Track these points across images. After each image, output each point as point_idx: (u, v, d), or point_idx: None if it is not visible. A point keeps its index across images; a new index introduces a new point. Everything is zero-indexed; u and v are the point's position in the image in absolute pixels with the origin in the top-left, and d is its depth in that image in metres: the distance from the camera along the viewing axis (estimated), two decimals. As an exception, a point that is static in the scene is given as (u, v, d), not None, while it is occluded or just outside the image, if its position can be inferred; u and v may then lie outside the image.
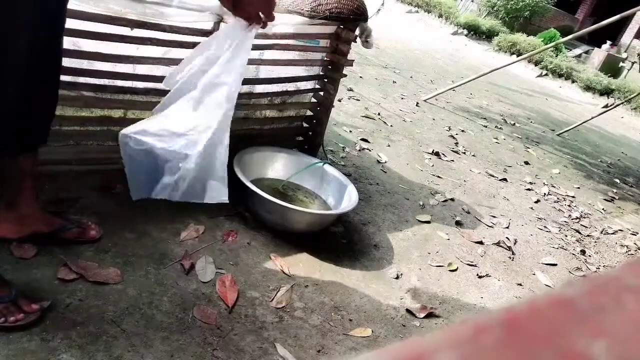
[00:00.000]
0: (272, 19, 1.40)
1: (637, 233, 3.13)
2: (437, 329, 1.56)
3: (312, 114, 2.21)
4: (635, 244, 2.90)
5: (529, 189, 3.19)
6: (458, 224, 2.34)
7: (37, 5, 1.03)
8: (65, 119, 1.57)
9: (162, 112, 1.42)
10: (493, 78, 6.65)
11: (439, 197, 2.53)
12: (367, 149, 2.80)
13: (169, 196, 1.45)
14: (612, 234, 2.97)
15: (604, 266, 2.52)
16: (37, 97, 1.16)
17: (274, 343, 1.30)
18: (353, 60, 2.13)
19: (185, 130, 1.40)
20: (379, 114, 3.53)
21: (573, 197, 3.37)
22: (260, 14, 1.38)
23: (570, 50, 13.26)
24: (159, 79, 1.63)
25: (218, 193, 1.47)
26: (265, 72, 1.97)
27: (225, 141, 1.43)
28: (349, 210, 1.84)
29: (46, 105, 1.20)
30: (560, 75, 10.50)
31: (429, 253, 2.01)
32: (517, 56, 9.39)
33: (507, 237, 2.37)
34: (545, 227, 2.70)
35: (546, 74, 10.53)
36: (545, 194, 3.21)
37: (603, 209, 3.36)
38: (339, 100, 3.39)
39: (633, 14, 5.45)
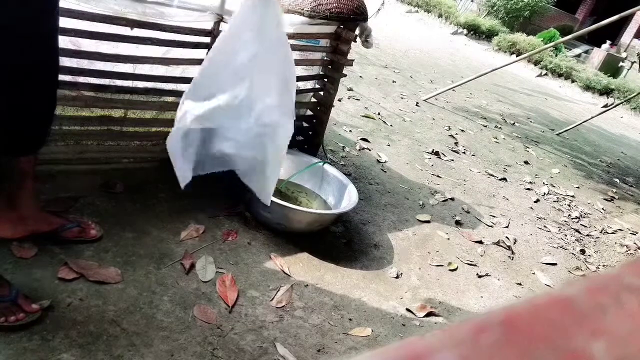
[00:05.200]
0: None
1: (637, 233, 3.13)
2: (437, 328, 1.56)
3: (312, 113, 2.21)
4: (634, 243, 2.90)
5: (528, 189, 3.19)
6: (458, 223, 2.34)
7: (19, 6, 1.03)
8: (65, 119, 1.57)
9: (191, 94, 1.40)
10: (493, 78, 6.65)
11: (438, 197, 2.53)
12: (367, 149, 2.80)
13: (223, 165, 1.46)
14: (612, 233, 2.97)
15: (603, 266, 2.52)
16: (35, 99, 1.16)
17: (274, 342, 1.30)
18: (353, 60, 2.13)
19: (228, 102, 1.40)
20: (378, 113, 3.53)
21: (573, 196, 3.37)
22: None
23: (570, 49, 13.26)
24: (159, 78, 1.64)
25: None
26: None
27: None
28: (349, 210, 1.84)
29: (45, 107, 1.20)
30: (560, 75, 10.49)
31: (429, 253, 2.01)
32: (517, 56, 9.39)
33: (506, 237, 2.37)
34: (545, 226, 2.70)
35: (546, 74, 10.52)
36: (544, 193, 3.21)
37: (603, 209, 3.36)
38: (339, 100, 3.39)
39: (633, 14, 5.45)
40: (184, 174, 1.41)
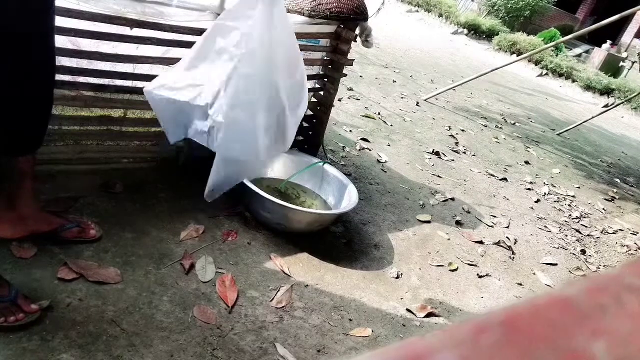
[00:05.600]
0: None
1: (637, 233, 3.13)
2: (437, 328, 1.56)
3: (312, 113, 2.21)
4: (635, 243, 2.90)
5: (529, 189, 3.19)
6: (458, 223, 2.33)
7: (18, 6, 1.03)
8: (65, 119, 1.57)
9: (178, 65, 1.47)
10: (493, 77, 6.65)
11: (439, 197, 2.53)
12: (367, 149, 2.80)
13: (207, 143, 1.54)
14: (613, 233, 2.97)
15: (604, 266, 2.52)
16: (34, 99, 1.16)
17: (274, 343, 1.30)
18: (353, 60, 2.13)
19: (198, 81, 1.46)
20: (379, 113, 3.53)
21: (573, 196, 3.37)
22: None
23: (571, 49, 13.25)
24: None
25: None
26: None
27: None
28: (349, 210, 1.84)
29: (44, 106, 1.20)
30: (560, 75, 10.49)
31: (429, 253, 2.01)
32: (517, 55, 9.39)
33: (507, 237, 2.37)
34: (545, 226, 2.69)
35: (546, 74, 10.51)
36: (545, 193, 3.21)
37: (603, 209, 3.36)
38: (339, 100, 3.39)
39: (633, 14, 5.45)
40: (174, 135, 1.53)
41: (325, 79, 2.11)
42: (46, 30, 1.13)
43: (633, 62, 12.11)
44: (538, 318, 0.15)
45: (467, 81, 4.63)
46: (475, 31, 12.03)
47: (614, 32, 13.94)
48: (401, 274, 1.80)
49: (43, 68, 1.15)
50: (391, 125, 3.41)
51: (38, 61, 1.13)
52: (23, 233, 1.29)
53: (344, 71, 2.11)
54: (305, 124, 2.23)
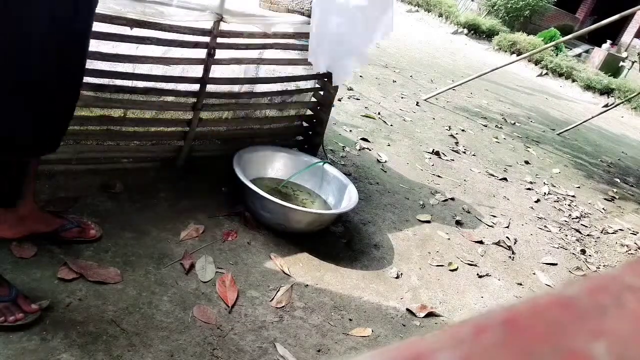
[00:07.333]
0: None
1: (637, 232, 3.13)
2: (437, 328, 1.56)
3: (312, 113, 2.21)
4: (635, 243, 2.90)
5: (529, 189, 3.19)
6: (458, 223, 2.33)
7: (49, 16, 1.01)
8: (65, 119, 1.56)
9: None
10: (493, 77, 6.65)
11: (439, 197, 2.53)
12: (367, 149, 2.80)
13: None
14: (613, 233, 2.97)
15: (604, 265, 2.52)
16: (64, 100, 1.14)
17: (274, 342, 1.30)
18: (353, 60, 2.13)
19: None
20: (379, 113, 3.53)
21: (573, 196, 3.37)
22: None
23: (571, 49, 13.25)
24: (159, 78, 1.63)
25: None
26: (266, 71, 1.97)
27: None
28: (349, 209, 1.84)
29: (65, 112, 1.18)
30: (560, 75, 10.48)
31: (429, 253, 2.01)
32: (517, 55, 9.38)
33: (507, 237, 2.37)
34: (545, 226, 2.69)
35: (546, 73, 10.51)
36: (545, 193, 3.21)
37: (603, 209, 3.36)
38: (339, 100, 3.39)
39: (633, 14, 5.45)
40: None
41: (326, 79, 2.11)
42: (84, 30, 1.11)
43: (633, 62, 12.10)
44: (538, 318, 0.15)
45: (467, 81, 4.63)
46: (475, 31, 12.03)
47: (614, 32, 13.93)
48: (401, 273, 1.80)
49: (79, 69, 1.14)
50: (391, 125, 3.41)
51: (77, 62, 1.12)
52: (23, 233, 1.29)
53: (344, 71, 2.11)
54: (305, 124, 2.23)
